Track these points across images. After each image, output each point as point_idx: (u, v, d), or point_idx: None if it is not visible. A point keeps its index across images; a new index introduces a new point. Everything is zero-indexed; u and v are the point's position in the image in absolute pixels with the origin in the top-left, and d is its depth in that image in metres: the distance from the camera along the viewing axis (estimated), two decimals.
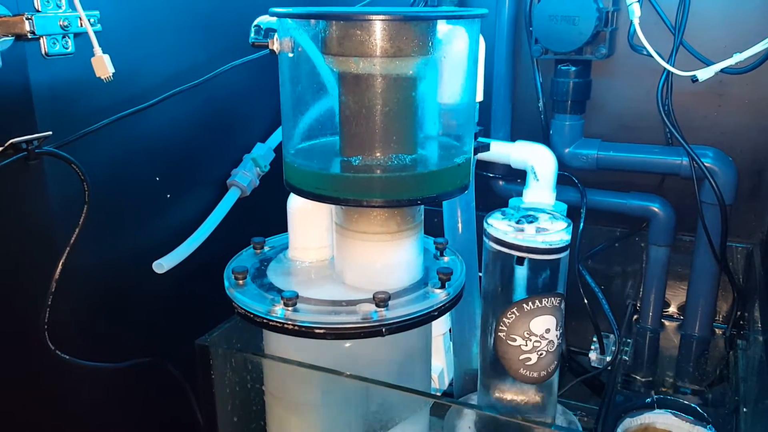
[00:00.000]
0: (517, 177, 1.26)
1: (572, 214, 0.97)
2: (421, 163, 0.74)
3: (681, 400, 1.06)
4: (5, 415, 0.81)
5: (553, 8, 1.12)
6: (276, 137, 1.16)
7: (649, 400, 1.07)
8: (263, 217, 1.04)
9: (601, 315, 1.14)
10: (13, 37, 0.71)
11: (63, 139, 0.78)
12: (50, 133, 0.75)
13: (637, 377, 1.21)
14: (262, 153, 1.12)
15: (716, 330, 1.22)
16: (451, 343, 1.04)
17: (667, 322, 1.26)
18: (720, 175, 1.11)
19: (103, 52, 0.74)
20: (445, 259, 0.87)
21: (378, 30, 0.67)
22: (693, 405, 1.04)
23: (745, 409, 0.85)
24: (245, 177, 1.09)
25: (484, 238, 0.82)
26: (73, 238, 0.78)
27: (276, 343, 0.81)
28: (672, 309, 1.28)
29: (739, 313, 1.19)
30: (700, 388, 1.17)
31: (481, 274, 0.87)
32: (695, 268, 1.19)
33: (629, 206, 1.21)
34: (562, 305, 0.80)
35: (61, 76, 0.79)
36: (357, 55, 0.68)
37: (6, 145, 0.71)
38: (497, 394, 0.84)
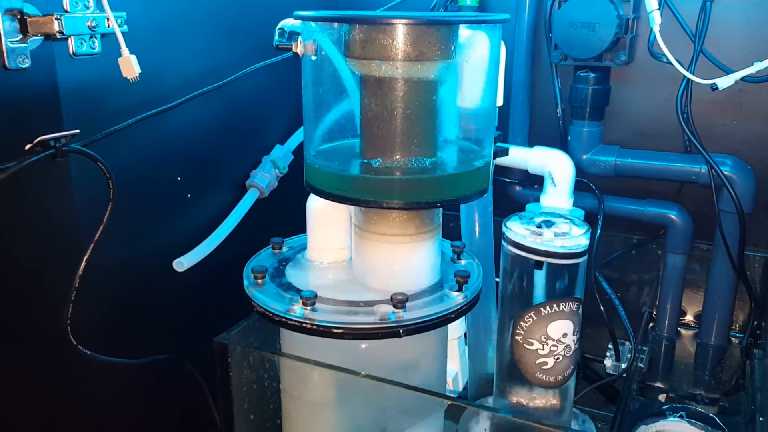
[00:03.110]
0: (534, 182, 1.26)
1: (589, 221, 0.97)
2: (441, 166, 0.75)
3: (696, 409, 1.06)
4: (26, 408, 0.82)
5: (574, 15, 1.12)
6: (295, 139, 1.17)
7: (664, 408, 1.06)
8: (281, 218, 1.05)
9: (616, 322, 1.13)
10: (42, 37, 0.73)
11: (88, 138, 0.79)
12: (78, 131, 0.76)
13: (653, 385, 1.21)
14: (281, 155, 1.13)
15: (732, 339, 1.21)
16: (466, 347, 1.05)
17: (683, 331, 1.26)
18: (739, 183, 1.10)
19: (130, 53, 0.75)
20: (462, 262, 0.88)
21: (401, 34, 0.68)
22: (708, 413, 1.03)
23: (761, 419, 0.85)
24: (264, 178, 1.10)
25: (503, 242, 0.82)
26: (97, 235, 0.79)
27: (293, 343, 0.82)
28: (688, 317, 1.27)
29: (756, 322, 1.18)
30: (716, 397, 1.16)
31: (497, 279, 0.87)
32: (712, 276, 1.18)
33: (647, 213, 1.20)
34: (580, 310, 0.80)
35: (88, 75, 0.80)
36: (379, 58, 0.69)
37: (35, 142, 0.72)
38: (513, 398, 0.84)
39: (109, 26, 0.75)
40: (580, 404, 1.09)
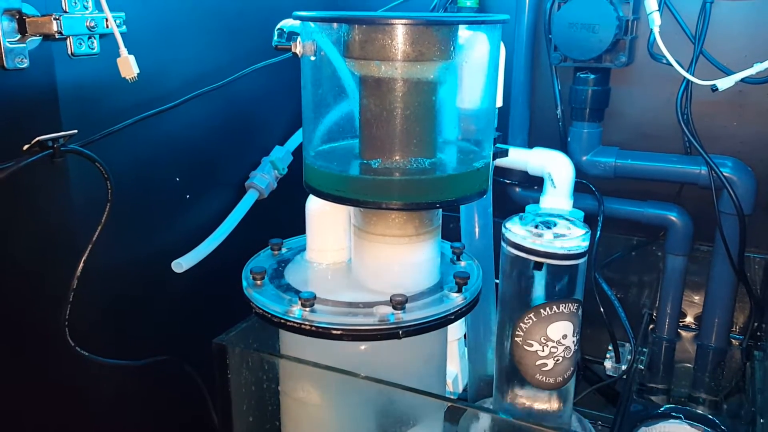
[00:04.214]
0: (534, 184, 1.26)
1: (589, 222, 0.97)
2: (440, 167, 0.75)
3: (696, 410, 1.05)
4: (25, 410, 0.82)
5: (573, 16, 1.12)
6: (294, 140, 1.17)
7: (664, 409, 1.06)
8: (280, 219, 1.05)
9: (616, 323, 1.13)
10: (41, 37, 0.73)
11: (87, 138, 0.79)
12: (76, 131, 0.76)
13: (653, 387, 1.20)
14: (280, 156, 1.13)
15: (733, 341, 1.21)
16: (466, 348, 1.04)
17: (683, 332, 1.25)
18: (739, 184, 1.10)
19: (128, 53, 0.75)
20: (462, 263, 0.87)
21: (400, 34, 0.67)
22: (708, 415, 1.03)
23: (762, 420, 0.85)
24: (263, 179, 1.10)
25: (502, 243, 0.82)
26: (95, 236, 0.79)
27: (292, 344, 0.81)
28: (688, 319, 1.27)
29: (756, 324, 1.18)
30: (716, 399, 1.16)
31: (497, 280, 0.87)
32: (712, 278, 1.18)
33: (647, 215, 1.20)
34: (580, 311, 0.80)
35: (87, 76, 0.80)
36: (379, 58, 0.69)
37: (33, 142, 0.72)
38: (513, 400, 0.84)
39: (107, 26, 0.75)
40: (580, 406, 1.09)
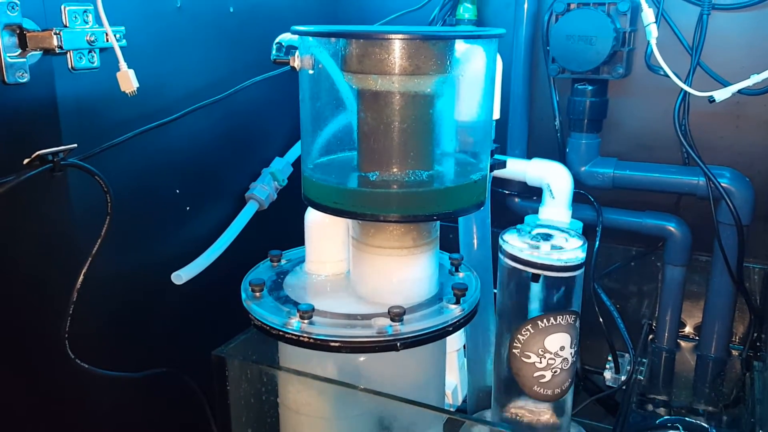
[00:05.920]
0: (533, 194, 1.26)
1: (588, 233, 0.97)
2: (438, 180, 0.75)
3: (696, 421, 1.05)
4: (25, 422, 0.82)
5: (571, 28, 1.13)
6: (294, 152, 1.17)
7: (663, 420, 1.06)
8: (280, 230, 1.05)
9: (616, 334, 1.13)
10: (41, 52, 0.73)
11: (87, 151, 0.79)
12: (75, 145, 0.77)
13: (652, 397, 1.20)
14: (280, 167, 1.14)
15: (732, 351, 1.21)
16: (466, 359, 1.04)
17: (683, 343, 1.25)
18: (737, 195, 1.10)
19: (128, 67, 0.75)
20: (461, 275, 0.88)
21: (397, 49, 0.68)
22: (708, 426, 1.03)
23: (761, 431, 0.84)
24: (263, 190, 1.10)
25: (500, 255, 0.82)
26: (95, 249, 0.79)
27: (291, 356, 0.82)
28: (688, 329, 1.27)
29: (755, 334, 1.18)
30: (716, 410, 1.16)
31: (496, 291, 0.87)
32: (711, 288, 1.18)
33: (645, 225, 1.20)
34: (577, 323, 0.80)
35: (87, 89, 0.81)
36: (376, 72, 0.69)
37: (33, 156, 0.73)
38: (511, 411, 0.84)
39: (107, 40, 0.76)
40: (579, 416, 1.08)
